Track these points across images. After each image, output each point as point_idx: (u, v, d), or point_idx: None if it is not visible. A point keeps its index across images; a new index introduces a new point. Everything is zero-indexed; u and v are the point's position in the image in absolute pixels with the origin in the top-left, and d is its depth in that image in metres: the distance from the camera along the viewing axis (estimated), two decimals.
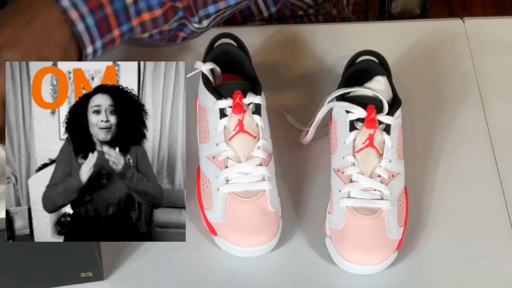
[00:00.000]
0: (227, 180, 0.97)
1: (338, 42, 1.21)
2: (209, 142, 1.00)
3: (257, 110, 0.99)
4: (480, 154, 1.09)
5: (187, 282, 0.97)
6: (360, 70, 1.06)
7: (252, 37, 1.19)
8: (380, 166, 0.97)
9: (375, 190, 0.97)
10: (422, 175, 1.06)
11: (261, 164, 0.98)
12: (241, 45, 1.08)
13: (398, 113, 1.00)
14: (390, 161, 0.98)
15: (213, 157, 0.99)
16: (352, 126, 0.99)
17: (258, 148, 0.98)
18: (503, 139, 1.10)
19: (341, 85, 1.06)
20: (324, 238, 0.99)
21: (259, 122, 0.99)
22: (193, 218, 1.01)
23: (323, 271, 0.98)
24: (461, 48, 1.20)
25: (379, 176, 0.97)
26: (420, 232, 1.01)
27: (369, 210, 0.96)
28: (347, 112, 0.99)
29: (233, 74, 1.07)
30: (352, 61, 1.08)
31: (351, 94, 1.01)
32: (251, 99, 0.99)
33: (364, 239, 0.95)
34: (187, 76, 1.02)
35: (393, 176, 0.98)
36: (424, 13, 1.42)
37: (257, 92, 1.00)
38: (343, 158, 0.98)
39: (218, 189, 0.98)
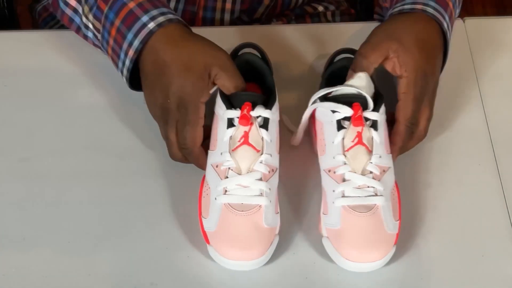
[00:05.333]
0: (225, 191, 0.96)
1: (339, 42, 1.20)
2: (216, 150, 0.99)
3: (265, 124, 0.98)
4: (480, 154, 1.09)
5: (187, 282, 0.97)
6: (339, 68, 1.06)
7: (253, 37, 1.19)
8: (371, 163, 0.97)
9: (368, 187, 0.96)
10: (422, 175, 1.06)
11: (261, 179, 0.97)
12: (263, 56, 1.08)
13: (383, 108, 1.00)
14: (380, 157, 0.98)
15: (217, 166, 0.98)
16: (340, 125, 0.99)
17: (260, 162, 0.97)
18: (503, 139, 1.10)
19: (322, 85, 1.06)
20: (322, 239, 0.99)
21: (265, 136, 0.98)
22: (193, 218, 1.01)
23: (323, 271, 0.97)
24: (461, 48, 1.20)
25: (371, 172, 0.97)
26: (420, 232, 1.01)
27: (365, 207, 0.96)
28: (333, 112, 0.99)
29: (254, 84, 1.07)
30: (330, 61, 1.09)
31: (333, 93, 1.01)
32: (260, 112, 0.98)
33: (363, 237, 0.95)
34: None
35: (384, 171, 0.98)
36: None
37: (269, 105, 0.99)
38: (333, 158, 0.98)
39: (215, 198, 0.97)
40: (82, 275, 0.97)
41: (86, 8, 1.08)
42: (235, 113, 0.98)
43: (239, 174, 0.97)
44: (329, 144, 0.99)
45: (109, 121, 1.10)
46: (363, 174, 0.97)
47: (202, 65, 0.99)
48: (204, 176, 1.00)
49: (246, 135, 0.97)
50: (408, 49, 1.02)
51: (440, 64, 1.07)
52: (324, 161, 1.00)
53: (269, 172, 0.97)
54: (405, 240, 1.00)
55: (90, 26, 1.08)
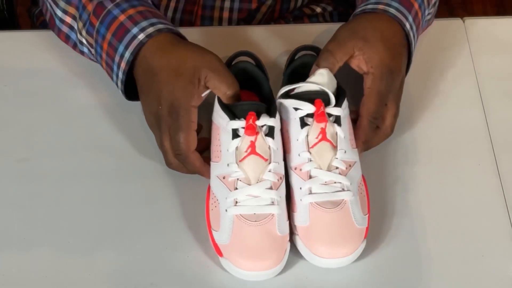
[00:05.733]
0: (236, 202, 0.96)
1: None
2: (221, 161, 0.98)
3: (270, 132, 0.98)
4: (480, 154, 1.09)
5: (187, 282, 0.97)
6: (300, 65, 1.07)
7: (250, 37, 1.19)
8: (337, 158, 0.97)
9: (335, 182, 0.97)
10: (422, 175, 1.06)
11: (271, 188, 0.96)
12: (259, 64, 1.08)
13: (345, 103, 1.01)
14: (345, 152, 0.98)
15: (223, 178, 0.97)
16: (303, 123, 0.99)
17: (269, 171, 0.97)
18: (503, 139, 1.10)
19: (284, 83, 1.07)
20: (293, 237, 0.98)
21: (272, 144, 0.97)
22: (193, 218, 1.01)
23: (323, 271, 0.97)
24: (461, 48, 1.20)
25: (337, 168, 0.97)
26: (419, 232, 1.01)
27: (333, 203, 0.96)
28: (296, 109, 0.99)
29: (250, 92, 1.07)
30: (291, 58, 1.09)
31: (295, 91, 1.01)
32: (265, 121, 0.98)
33: (333, 233, 0.95)
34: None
35: (350, 166, 0.98)
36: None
37: (271, 113, 0.99)
38: (299, 155, 0.98)
39: (226, 210, 0.96)
40: (82, 275, 0.97)
41: (80, 24, 1.09)
42: (240, 124, 0.97)
43: (249, 184, 0.96)
44: (294, 141, 0.99)
45: (109, 121, 1.10)
46: (329, 170, 0.97)
47: (191, 69, 1.00)
48: (209, 189, 1.00)
49: (252, 145, 0.97)
50: (374, 46, 1.03)
51: (405, 63, 1.07)
52: (291, 159, 0.99)
53: (278, 180, 0.97)
54: (405, 240, 1.00)
55: (84, 41, 1.10)
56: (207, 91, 1.01)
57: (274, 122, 0.98)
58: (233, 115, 0.98)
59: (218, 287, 0.97)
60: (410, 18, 1.07)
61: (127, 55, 1.03)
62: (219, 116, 1.00)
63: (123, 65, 1.04)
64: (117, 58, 1.04)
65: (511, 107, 1.14)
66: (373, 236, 1.00)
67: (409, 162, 1.06)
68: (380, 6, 1.07)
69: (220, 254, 0.97)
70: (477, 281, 0.97)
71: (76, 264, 0.98)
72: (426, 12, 1.13)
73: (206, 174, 1.01)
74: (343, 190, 0.97)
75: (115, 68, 1.05)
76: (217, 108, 1.01)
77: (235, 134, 0.98)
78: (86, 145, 1.08)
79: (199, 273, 0.97)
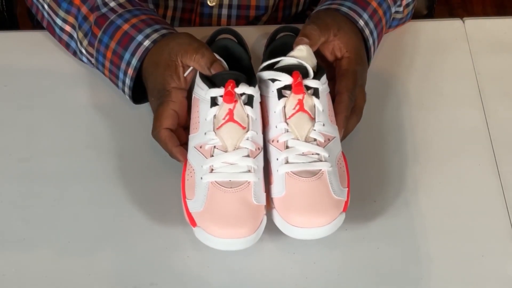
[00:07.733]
0: (212, 170, 0.95)
1: None
2: (198, 132, 0.98)
3: (249, 101, 0.98)
4: (480, 154, 1.09)
5: (187, 282, 0.97)
6: (280, 45, 1.08)
7: (252, 36, 1.19)
8: (314, 130, 0.97)
9: (312, 154, 0.96)
10: (422, 175, 1.06)
11: (248, 156, 0.96)
12: (241, 41, 1.08)
13: (324, 79, 1.01)
14: (323, 125, 0.97)
15: (200, 147, 0.97)
16: (280, 94, 0.98)
17: (247, 139, 0.96)
18: (503, 139, 1.10)
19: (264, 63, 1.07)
20: (271, 212, 0.97)
21: (250, 113, 0.97)
22: None
23: (323, 271, 0.98)
24: (461, 48, 1.20)
25: (315, 140, 0.96)
26: (419, 232, 1.01)
27: (310, 172, 0.95)
28: (273, 81, 0.99)
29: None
30: (271, 39, 1.10)
31: (275, 67, 1.01)
32: (244, 89, 0.97)
33: (309, 201, 0.94)
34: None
35: (329, 140, 0.97)
36: (431, 13, 1.43)
37: (251, 84, 0.99)
38: (276, 127, 0.98)
39: (201, 178, 0.95)
40: (82, 275, 0.97)
41: (81, 34, 1.11)
42: (218, 91, 0.97)
43: (225, 151, 0.96)
44: (271, 114, 0.99)
45: (109, 121, 1.10)
46: (306, 141, 0.96)
47: (167, 55, 1.03)
48: (186, 162, 0.99)
49: (230, 112, 0.96)
50: (347, 33, 1.07)
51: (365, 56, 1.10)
52: (268, 133, 0.99)
53: (255, 149, 0.96)
54: (405, 240, 1.00)
55: (84, 51, 1.11)
56: (189, 69, 1.03)
57: (253, 91, 0.98)
58: (213, 85, 0.98)
59: (218, 287, 0.97)
60: (366, 16, 1.10)
61: (134, 62, 1.05)
62: (199, 87, 1.00)
63: (130, 71, 1.06)
64: (123, 66, 1.06)
65: (511, 107, 1.14)
66: (373, 236, 1.00)
67: (409, 162, 1.06)
68: (333, 6, 1.10)
69: (194, 224, 0.95)
70: (477, 281, 0.97)
71: (76, 264, 0.98)
72: (393, 9, 1.15)
73: (178, 155, 1.00)
74: (321, 161, 0.95)
75: (121, 75, 1.07)
76: (197, 81, 1.01)
77: (214, 102, 0.98)
78: (86, 145, 1.08)
79: (199, 273, 0.97)
